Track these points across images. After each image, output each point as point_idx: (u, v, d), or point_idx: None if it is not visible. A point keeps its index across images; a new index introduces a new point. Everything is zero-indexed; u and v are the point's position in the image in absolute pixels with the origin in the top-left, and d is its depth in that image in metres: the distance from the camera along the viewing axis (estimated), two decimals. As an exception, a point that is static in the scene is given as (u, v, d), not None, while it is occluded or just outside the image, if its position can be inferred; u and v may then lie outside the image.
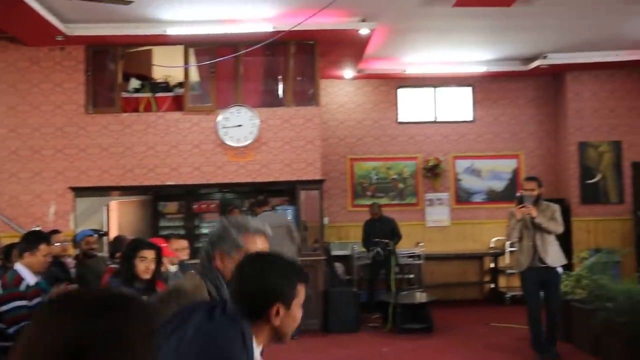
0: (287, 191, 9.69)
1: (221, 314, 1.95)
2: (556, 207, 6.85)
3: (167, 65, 9.33)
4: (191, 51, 9.29)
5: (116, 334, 1.12)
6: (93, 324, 1.11)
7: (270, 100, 9.59)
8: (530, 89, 12.05)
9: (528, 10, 8.36)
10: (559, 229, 6.76)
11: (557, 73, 11.63)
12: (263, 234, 2.58)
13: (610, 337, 6.63)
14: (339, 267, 10.50)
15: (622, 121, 11.51)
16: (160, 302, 2.45)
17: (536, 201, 6.75)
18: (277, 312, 1.98)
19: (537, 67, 11.12)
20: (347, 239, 11.37)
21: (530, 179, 7.11)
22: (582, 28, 9.48)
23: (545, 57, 10.88)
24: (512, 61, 11.36)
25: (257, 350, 1.99)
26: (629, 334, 6.11)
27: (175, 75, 9.44)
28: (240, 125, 8.99)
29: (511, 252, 11.03)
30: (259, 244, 2.53)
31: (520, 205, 6.70)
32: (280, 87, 9.59)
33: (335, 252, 10.75)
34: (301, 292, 2.06)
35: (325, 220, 10.35)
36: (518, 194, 7.11)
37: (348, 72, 11.29)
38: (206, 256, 2.55)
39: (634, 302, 6.15)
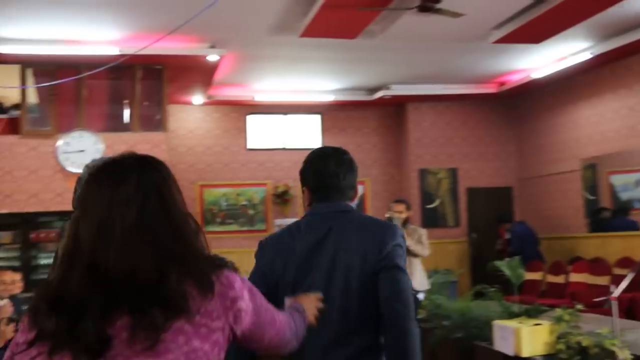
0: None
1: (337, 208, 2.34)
2: (423, 231, 6.90)
3: (1, 86, 8.81)
4: (29, 71, 8.83)
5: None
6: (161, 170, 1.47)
7: (115, 125, 9.32)
8: (375, 118, 12.59)
9: (371, 44, 8.77)
10: (425, 252, 6.81)
11: (399, 103, 12.25)
12: None
13: (446, 353, 6.99)
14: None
15: (458, 150, 12.32)
16: None
17: (404, 224, 6.73)
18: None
19: (381, 98, 11.66)
20: (196, 266, 11.18)
21: (399, 201, 7.10)
22: (421, 62, 10.08)
23: (388, 88, 11.43)
24: (358, 91, 11.84)
25: None
26: (462, 348, 6.47)
27: (11, 96, 8.93)
28: (82, 151, 8.64)
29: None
30: None
31: None
32: (126, 111, 9.35)
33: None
34: None
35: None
36: (387, 215, 7.11)
37: (197, 98, 11.23)
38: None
39: (466, 319, 6.52)
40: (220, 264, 1.44)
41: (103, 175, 1.42)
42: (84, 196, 1.42)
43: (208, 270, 1.40)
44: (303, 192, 2.41)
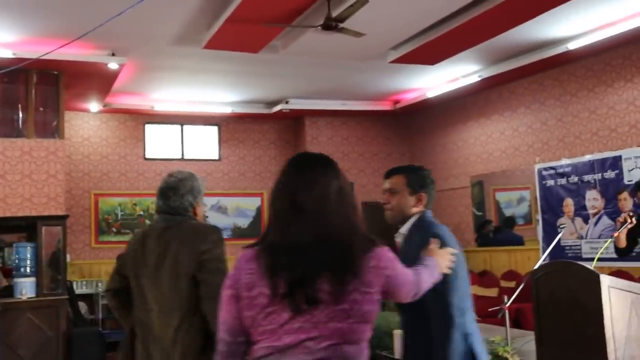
0: (25, 227, 9.01)
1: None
2: None
3: None
4: None
5: None
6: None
7: (8, 130, 8.88)
8: (273, 131, 12.73)
9: (273, 58, 8.89)
10: None
11: (297, 117, 12.44)
12: None
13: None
14: (82, 306, 9.99)
15: (354, 165, 12.65)
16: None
17: None
18: None
19: (279, 111, 11.80)
20: (91, 276, 10.87)
21: None
22: (320, 78, 10.32)
23: (287, 102, 11.59)
24: (256, 104, 11.92)
25: None
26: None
27: None
28: (-29, 156, 8.23)
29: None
30: None
31: None
32: (20, 117, 8.98)
33: (79, 291, 10.23)
34: None
35: (67, 257, 9.83)
36: None
37: (94, 106, 10.95)
38: (188, 208, 3.05)
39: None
40: (373, 241, 1.94)
41: (300, 165, 2.05)
42: (287, 179, 2.06)
43: (367, 247, 1.91)
44: (417, 196, 3.03)
